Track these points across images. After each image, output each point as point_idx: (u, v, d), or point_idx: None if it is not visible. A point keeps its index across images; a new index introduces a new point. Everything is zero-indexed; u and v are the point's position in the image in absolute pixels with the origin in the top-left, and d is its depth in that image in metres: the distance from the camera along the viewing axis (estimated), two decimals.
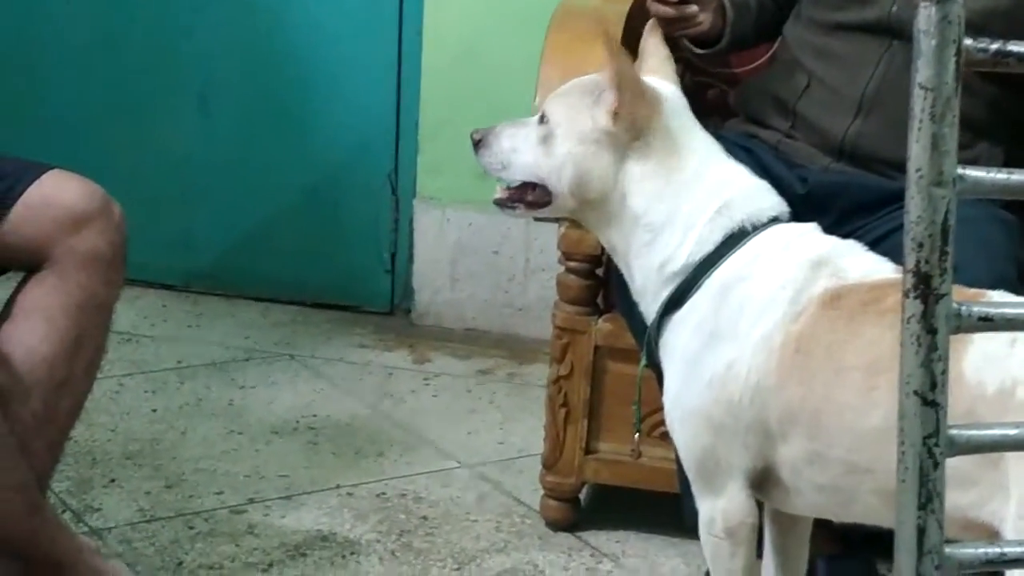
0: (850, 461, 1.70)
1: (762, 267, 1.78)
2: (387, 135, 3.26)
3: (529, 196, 1.90)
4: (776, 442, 1.76)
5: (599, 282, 2.37)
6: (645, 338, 1.88)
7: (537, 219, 2.34)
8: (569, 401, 2.38)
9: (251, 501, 2.49)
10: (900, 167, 2.18)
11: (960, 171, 0.92)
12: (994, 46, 0.91)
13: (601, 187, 1.84)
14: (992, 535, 1.61)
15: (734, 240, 1.80)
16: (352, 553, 2.35)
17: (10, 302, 2.03)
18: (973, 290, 1.72)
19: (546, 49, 2.34)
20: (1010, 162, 2.22)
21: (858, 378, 1.68)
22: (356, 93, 3.25)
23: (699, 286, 1.80)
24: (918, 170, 0.92)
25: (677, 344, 1.82)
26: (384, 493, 2.54)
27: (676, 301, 1.82)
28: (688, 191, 1.82)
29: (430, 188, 3.24)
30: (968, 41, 0.91)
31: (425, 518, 2.47)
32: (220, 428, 2.74)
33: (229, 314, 3.24)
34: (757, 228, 1.81)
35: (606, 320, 2.35)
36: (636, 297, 1.89)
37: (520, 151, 1.89)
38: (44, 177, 2.04)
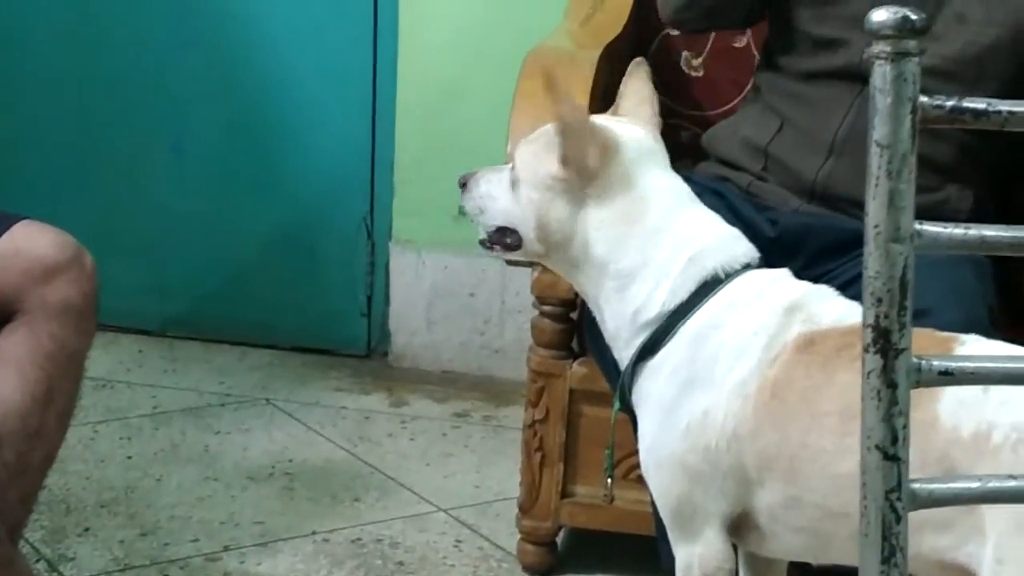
0: (826, 506, 1.70)
1: (736, 314, 1.79)
2: (362, 178, 3.27)
3: (507, 239, 1.91)
4: (753, 488, 1.76)
5: (573, 326, 2.37)
6: (619, 383, 1.88)
7: (511, 263, 2.34)
8: (544, 445, 2.38)
9: (226, 548, 2.48)
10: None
11: (917, 226, 0.93)
12: (950, 103, 0.92)
13: (561, 233, 1.85)
14: None
15: (707, 288, 1.80)
16: None
17: None
18: (945, 334, 1.73)
19: (516, 96, 2.35)
20: (979, 205, 2.23)
21: (833, 423, 1.68)
22: (330, 137, 3.25)
23: (673, 334, 1.80)
24: (876, 226, 0.92)
25: (652, 391, 1.82)
26: (360, 539, 2.53)
27: (650, 348, 1.82)
28: (656, 238, 1.82)
29: (406, 231, 3.25)
30: (924, 99, 0.91)
31: (401, 563, 2.46)
32: (195, 474, 2.73)
33: (205, 359, 3.24)
34: (730, 275, 1.81)
35: (581, 364, 2.35)
36: (609, 341, 1.89)
37: (494, 197, 1.91)
38: (14, 228, 2.04)
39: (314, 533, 2.54)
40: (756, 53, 2.57)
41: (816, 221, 2.22)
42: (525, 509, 2.41)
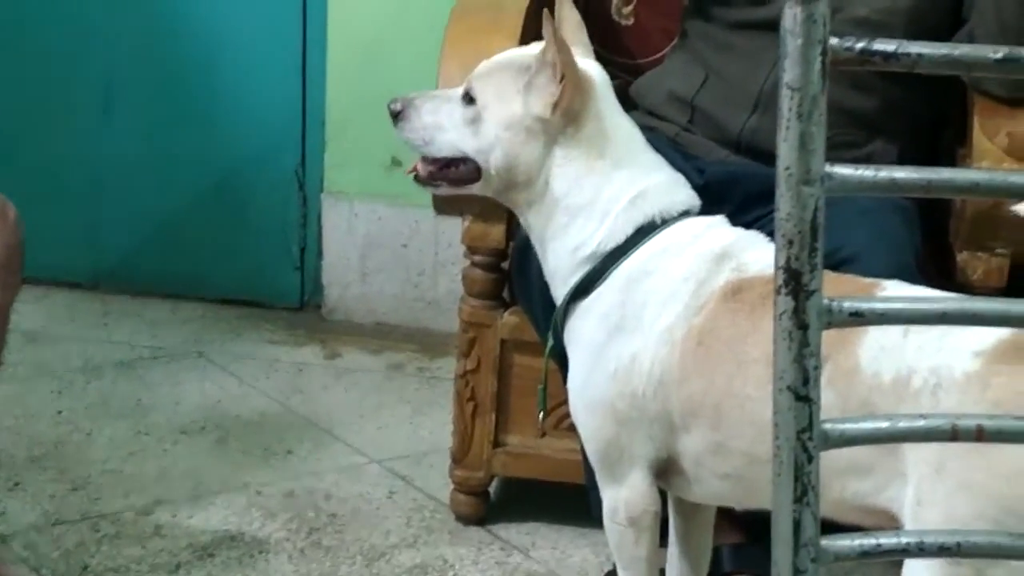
0: (750, 452, 1.72)
1: (668, 260, 1.80)
2: (293, 130, 3.24)
3: (452, 172, 1.88)
4: (679, 433, 1.78)
5: (504, 276, 2.37)
6: (551, 322, 1.88)
7: (441, 212, 2.33)
8: (476, 395, 2.39)
9: (158, 502, 2.47)
10: None
11: (828, 168, 0.93)
12: (859, 45, 0.92)
13: (528, 171, 1.84)
14: (892, 520, 1.64)
15: (644, 232, 1.82)
16: (261, 552, 2.34)
17: None
18: (868, 280, 1.74)
19: (445, 42, 2.34)
20: (905, 158, 2.24)
21: (758, 371, 1.70)
22: (261, 88, 3.23)
23: (607, 276, 1.81)
24: (787, 168, 0.93)
25: (583, 332, 1.83)
26: (293, 491, 2.53)
27: (584, 288, 1.83)
28: (609, 177, 1.83)
29: (337, 183, 3.23)
30: (833, 40, 0.92)
31: (334, 515, 2.46)
32: (127, 429, 2.71)
33: (137, 313, 3.21)
34: (667, 221, 1.83)
35: (512, 314, 2.36)
36: (548, 278, 1.89)
37: (444, 128, 1.87)
38: None
39: (246, 486, 2.53)
40: (686, 1, 2.57)
41: (742, 169, 2.22)
42: (457, 459, 2.42)
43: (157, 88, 3.26)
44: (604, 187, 1.82)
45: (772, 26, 2.21)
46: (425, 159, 1.89)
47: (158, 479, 2.54)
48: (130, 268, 3.30)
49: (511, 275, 2.30)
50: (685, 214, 1.85)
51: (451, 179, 1.89)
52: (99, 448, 2.64)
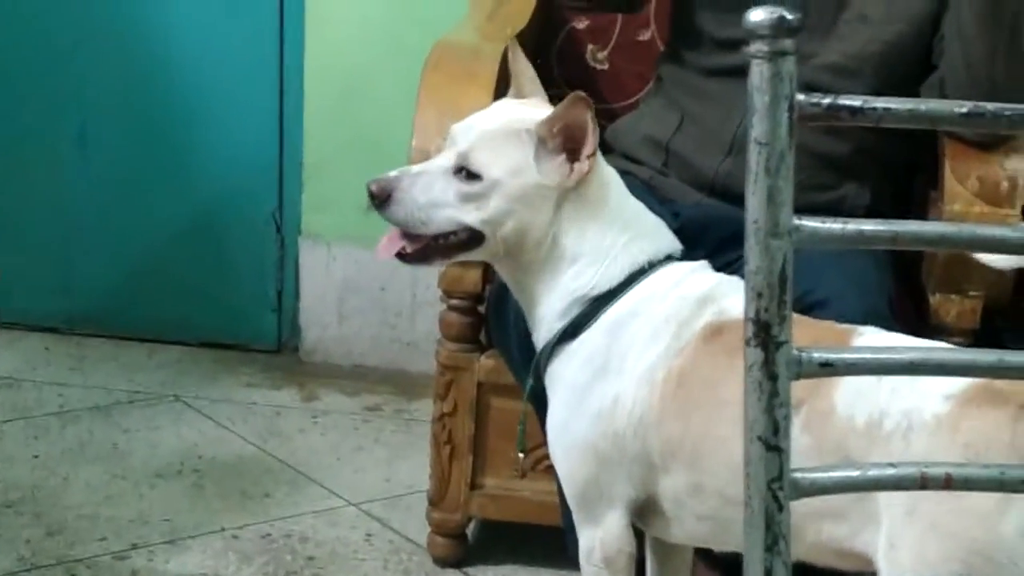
0: (727, 493, 1.73)
1: (653, 304, 1.82)
2: (270, 172, 3.25)
3: (443, 244, 1.83)
4: (659, 474, 1.79)
5: (481, 319, 2.38)
6: (533, 365, 1.88)
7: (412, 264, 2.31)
8: (453, 438, 2.39)
9: (134, 547, 2.46)
10: None
11: (796, 221, 0.95)
12: (826, 101, 0.94)
13: (540, 234, 1.82)
14: (867, 564, 1.65)
15: (635, 276, 1.83)
16: None
17: None
18: (844, 326, 1.76)
19: (421, 91, 2.35)
20: (877, 202, 2.27)
21: (735, 413, 1.69)
22: (238, 130, 3.24)
23: (595, 319, 1.82)
24: (755, 221, 0.94)
25: (565, 374, 1.84)
26: (270, 534, 2.53)
27: (571, 332, 1.83)
28: (610, 225, 1.84)
29: (315, 225, 3.24)
30: (800, 97, 0.93)
31: (312, 558, 2.46)
32: (103, 473, 2.70)
33: (113, 356, 3.21)
34: (654, 265, 1.84)
35: (489, 357, 2.36)
36: (532, 323, 1.89)
37: (440, 205, 1.81)
38: None
39: (223, 529, 2.53)
40: (661, 46, 2.59)
41: (716, 212, 2.24)
42: (435, 502, 2.42)
43: (131, 129, 3.26)
44: (607, 234, 1.84)
45: (742, 73, 2.28)
46: (409, 236, 1.83)
47: (134, 523, 2.54)
48: (106, 312, 3.30)
49: (488, 318, 2.31)
50: (669, 258, 1.86)
51: (443, 251, 1.85)
52: (75, 492, 2.63)
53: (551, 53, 2.70)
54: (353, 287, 3.23)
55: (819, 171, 2.24)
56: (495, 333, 2.24)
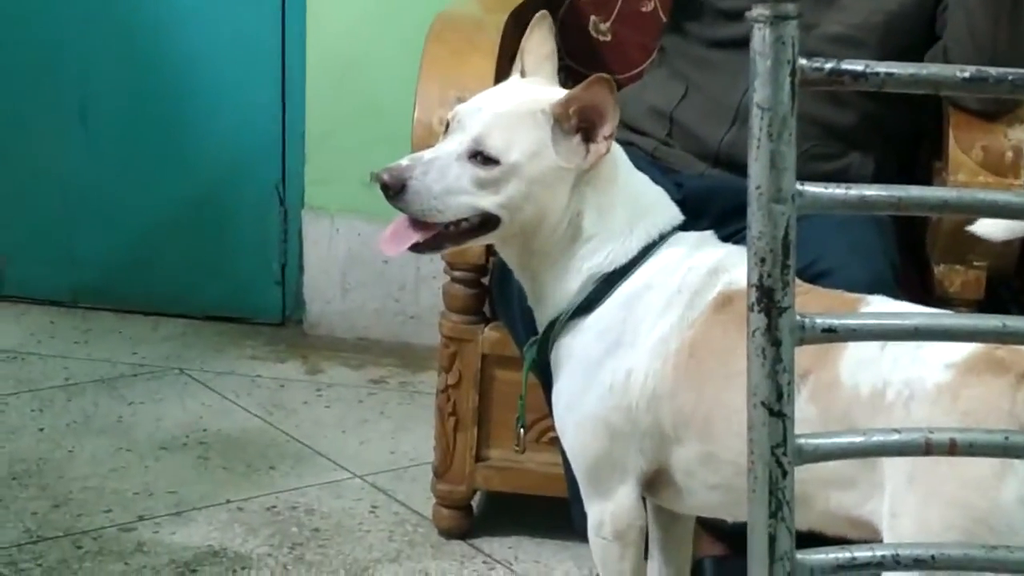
0: (740, 463, 1.71)
1: (666, 276, 1.81)
2: (273, 145, 3.25)
3: (455, 230, 1.79)
4: (671, 445, 1.79)
5: (485, 291, 2.38)
6: (538, 340, 1.88)
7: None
8: (458, 410, 2.39)
9: (140, 518, 2.47)
10: None
11: (799, 187, 0.95)
12: (828, 65, 0.94)
13: (558, 215, 1.80)
14: (875, 533, 1.65)
15: (647, 250, 1.82)
16: (243, 568, 2.34)
17: None
18: (852, 295, 1.76)
19: (424, 62, 2.34)
20: (881, 170, 2.26)
21: (744, 382, 1.71)
22: (241, 104, 3.24)
23: (610, 294, 1.81)
24: (758, 187, 0.94)
25: (577, 349, 1.83)
26: (275, 506, 2.53)
27: (585, 307, 1.83)
28: (623, 201, 1.83)
29: (318, 198, 3.24)
30: (803, 61, 0.93)
31: (317, 530, 2.46)
32: (108, 445, 2.71)
33: (117, 329, 3.22)
34: (664, 237, 1.84)
35: (493, 328, 2.36)
36: (536, 299, 1.88)
37: (456, 192, 1.76)
38: None
39: (228, 502, 2.54)
40: (664, 17, 2.58)
41: (720, 184, 2.24)
42: (440, 473, 2.42)
43: (134, 103, 3.26)
44: (620, 211, 1.83)
45: (746, 43, 2.27)
46: (417, 224, 1.79)
47: (140, 495, 2.54)
48: (110, 285, 3.30)
49: (492, 291, 2.31)
50: (674, 230, 1.86)
51: (455, 238, 1.81)
52: (81, 465, 2.64)
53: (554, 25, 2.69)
54: (356, 260, 3.23)
55: (823, 141, 2.23)
56: (499, 306, 2.24)
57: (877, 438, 1.01)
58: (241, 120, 3.24)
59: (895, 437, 1.02)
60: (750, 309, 0.94)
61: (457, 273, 2.37)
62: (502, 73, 2.33)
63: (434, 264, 3.13)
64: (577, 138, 1.80)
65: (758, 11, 0.91)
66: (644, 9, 2.68)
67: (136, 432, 2.77)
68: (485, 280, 2.38)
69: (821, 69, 0.93)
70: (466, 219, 1.80)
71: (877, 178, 2.26)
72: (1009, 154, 2.14)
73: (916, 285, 2.23)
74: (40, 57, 3.25)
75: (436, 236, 1.81)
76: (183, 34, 3.22)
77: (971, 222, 1.85)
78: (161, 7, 3.21)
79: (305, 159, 3.23)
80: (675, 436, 1.79)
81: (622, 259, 1.83)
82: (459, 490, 2.42)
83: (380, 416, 2.91)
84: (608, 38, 2.70)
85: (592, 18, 2.70)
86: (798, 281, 1.84)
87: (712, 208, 2.19)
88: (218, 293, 3.28)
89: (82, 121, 3.26)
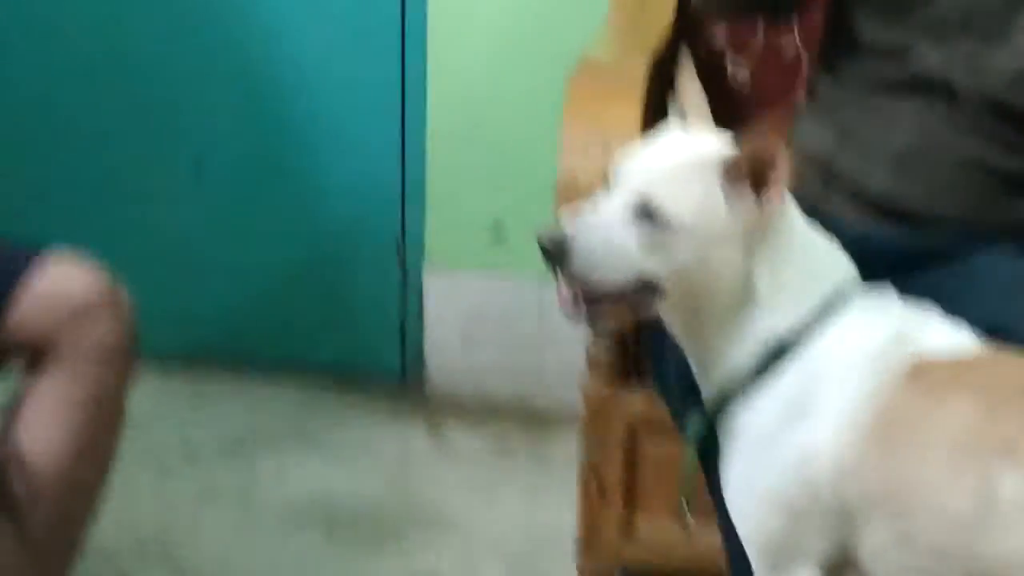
0: (937, 544, 1.60)
1: (848, 341, 1.68)
2: (392, 198, 3.16)
3: (614, 299, 1.67)
4: (858, 525, 1.66)
5: (631, 353, 2.26)
6: (707, 412, 1.75)
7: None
8: (602, 480, 2.27)
9: None
10: (935, 223, 2.09)
11: None
12: None
13: (732, 279, 1.67)
14: None
15: (826, 311, 1.70)
16: None
17: (14, 402, 1.92)
18: None
19: (567, 109, 2.24)
20: None
21: (943, 457, 1.59)
22: (358, 155, 3.14)
23: (788, 361, 1.68)
24: None
25: (751, 421, 1.70)
26: None
27: (759, 376, 1.70)
28: (796, 261, 1.71)
29: (439, 253, 3.14)
30: None
31: None
32: (232, 517, 2.62)
33: (234, 390, 3.12)
34: (843, 297, 1.71)
35: (639, 394, 2.24)
36: (701, 372, 1.75)
37: (620, 255, 1.63)
38: (43, 263, 1.94)
39: None
40: (807, 57, 2.47)
41: (882, 235, 2.11)
42: (584, 549, 2.30)
43: (249, 156, 3.19)
44: (796, 269, 1.70)
45: (909, 84, 2.15)
46: (581, 290, 1.66)
47: (268, 572, 2.45)
48: (225, 343, 3.22)
49: (642, 356, 2.19)
50: (851, 288, 1.74)
51: (617, 304, 1.67)
52: (205, 538, 2.55)
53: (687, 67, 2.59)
54: (479, 316, 3.13)
55: (996, 189, 2.10)
56: (653, 372, 2.11)
57: None
58: (359, 172, 3.15)
59: None
60: None
61: (604, 334, 2.25)
62: (647, 121, 2.23)
63: (558, 320, 2.97)
64: (749, 192, 1.68)
65: None
66: (784, 49, 2.58)
67: (260, 502, 2.68)
68: (630, 342, 2.26)
69: None
70: (631, 284, 1.68)
71: None
72: None
73: None
74: (155, 114, 3.19)
75: (597, 303, 1.69)
76: (299, 87, 3.14)
77: None
78: (277, 57, 3.14)
79: (426, 211, 3.13)
80: (863, 516, 1.65)
81: (800, 323, 1.69)
82: (605, 566, 2.30)
83: (510, 482, 2.79)
84: (746, 80, 2.60)
85: (728, 58, 2.60)
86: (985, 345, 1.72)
87: (874, 262, 2.05)
88: (337, 350, 3.19)
89: (197, 177, 3.20)
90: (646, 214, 1.65)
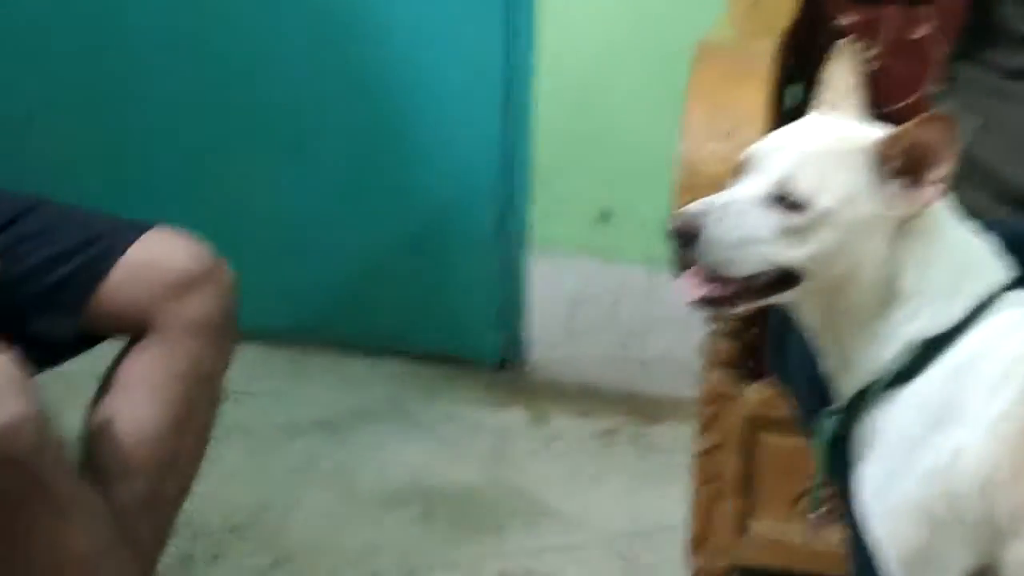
0: None
1: (1000, 343, 1.58)
2: (496, 179, 3.07)
3: (747, 285, 1.58)
4: (1006, 539, 1.56)
5: (750, 345, 2.16)
6: (845, 413, 1.65)
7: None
8: (719, 475, 2.18)
9: None
10: None
11: None
12: None
13: (874, 271, 1.57)
14: None
15: (977, 311, 1.59)
16: None
17: (111, 373, 1.88)
18: None
19: (691, 89, 2.15)
20: None
21: None
22: (462, 134, 3.06)
23: (933, 362, 1.58)
24: None
25: (892, 425, 1.60)
26: (507, 571, 2.35)
27: (901, 378, 1.60)
28: (944, 255, 1.61)
29: (543, 235, 3.05)
30: None
31: None
32: (330, 496, 2.56)
33: (334, 368, 3.05)
34: (994, 297, 1.61)
35: (760, 387, 2.14)
36: (836, 370, 1.65)
37: (755, 242, 1.55)
38: (146, 236, 1.90)
39: (456, 565, 2.37)
40: (942, 43, 2.36)
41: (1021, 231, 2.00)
42: (697, 545, 2.21)
43: (352, 136, 3.12)
44: (945, 266, 1.60)
45: None
46: (712, 277, 1.57)
47: (366, 554, 2.38)
48: (325, 322, 3.16)
49: (764, 349, 2.09)
50: (1007, 288, 1.63)
51: (751, 294, 1.58)
52: (302, 518, 2.49)
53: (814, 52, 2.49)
54: (583, 301, 3.03)
55: None
56: (777, 367, 2.01)
57: None
58: (462, 152, 3.07)
59: None
60: None
61: (722, 324, 2.15)
62: (774, 105, 2.14)
63: (666, 308, 2.92)
64: (900, 182, 1.58)
65: None
66: (916, 35, 2.46)
67: (358, 482, 2.61)
68: (751, 332, 2.16)
69: None
70: (764, 273, 1.58)
71: None
72: None
73: None
74: (256, 93, 3.13)
75: (729, 292, 1.59)
76: (401, 66, 3.06)
77: None
78: (380, 37, 3.07)
79: (530, 193, 3.05)
80: (1012, 529, 1.55)
81: (948, 323, 1.59)
82: (719, 565, 2.20)
83: (614, 471, 2.70)
84: (874, 67, 2.49)
85: (857, 44, 2.48)
86: None
87: (1019, 259, 1.96)
88: (436, 332, 3.12)
89: (300, 155, 3.14)
90: (786, 198, 1.56)
